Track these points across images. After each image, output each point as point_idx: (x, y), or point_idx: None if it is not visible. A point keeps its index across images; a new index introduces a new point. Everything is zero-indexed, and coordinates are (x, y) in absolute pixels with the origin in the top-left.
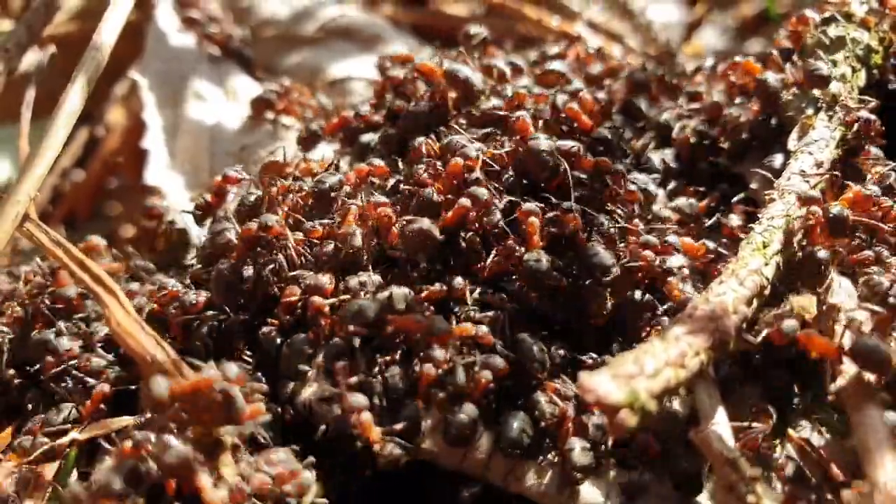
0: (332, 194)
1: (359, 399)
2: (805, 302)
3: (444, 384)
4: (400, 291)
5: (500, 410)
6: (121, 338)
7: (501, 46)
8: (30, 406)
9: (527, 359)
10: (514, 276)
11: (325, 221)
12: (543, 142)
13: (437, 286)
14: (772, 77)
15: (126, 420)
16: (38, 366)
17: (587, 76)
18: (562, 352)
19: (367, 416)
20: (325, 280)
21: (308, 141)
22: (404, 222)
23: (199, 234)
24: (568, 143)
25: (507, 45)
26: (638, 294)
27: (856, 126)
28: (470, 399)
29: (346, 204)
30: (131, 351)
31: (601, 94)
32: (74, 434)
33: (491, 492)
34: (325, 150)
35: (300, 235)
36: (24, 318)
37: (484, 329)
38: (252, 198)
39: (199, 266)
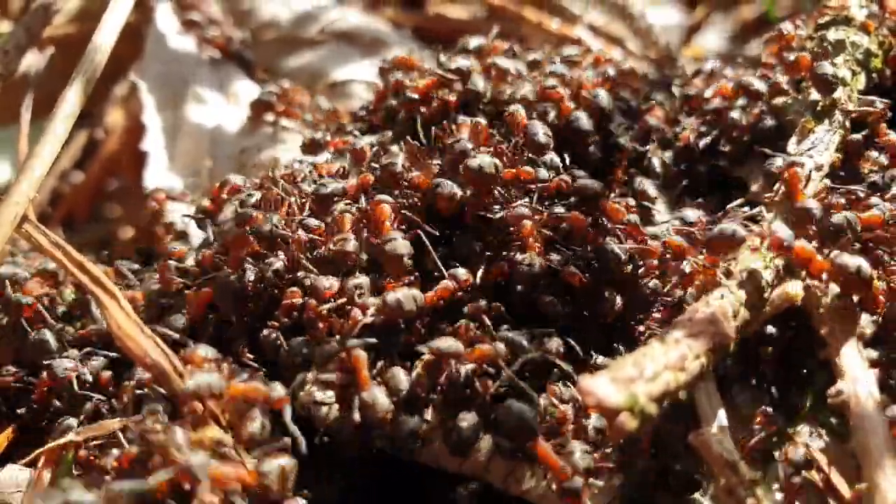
0: (335, 198)
1: (354, 343)
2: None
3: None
4: (409, 293)
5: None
6: (121, 340)
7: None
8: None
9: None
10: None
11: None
12: (539, 126)
13: (445, 283)
14: (757, 83)
15: (123, 422)
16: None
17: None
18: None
19: (362, 354)
20: (326, 284)
21: (311, 148)
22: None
23: (198, 237)
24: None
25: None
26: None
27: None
28: (472, 406)
29: (343, 211)
30: (131, 353)
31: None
32: (72, 436)
33: (491, 491)
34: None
35: (303, 236)
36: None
37: (502, 349)
38: (252, 200)
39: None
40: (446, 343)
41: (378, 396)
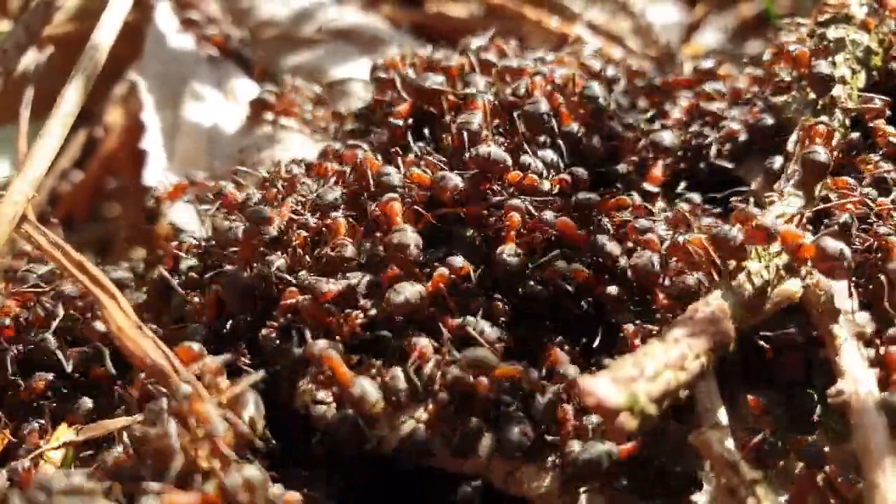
0: (336, 207)
1: (321, 345)
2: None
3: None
4: (414, 290)
5: (500, 412)
6: (120, 341)
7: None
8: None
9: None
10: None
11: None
12: (543, 104)
13: (441, 271)
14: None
15: (122, 421)
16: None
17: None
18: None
19: (333, 354)
20: (325, 287)
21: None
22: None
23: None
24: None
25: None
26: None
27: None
28: (473, 408)
29: (336, 219)
30: (130, 354)
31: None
32: (70, 435)
33: (491, 491)
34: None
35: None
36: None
37: (534, 373)
38: (253, 201)
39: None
40: (480, 353)
41: (366, 387)
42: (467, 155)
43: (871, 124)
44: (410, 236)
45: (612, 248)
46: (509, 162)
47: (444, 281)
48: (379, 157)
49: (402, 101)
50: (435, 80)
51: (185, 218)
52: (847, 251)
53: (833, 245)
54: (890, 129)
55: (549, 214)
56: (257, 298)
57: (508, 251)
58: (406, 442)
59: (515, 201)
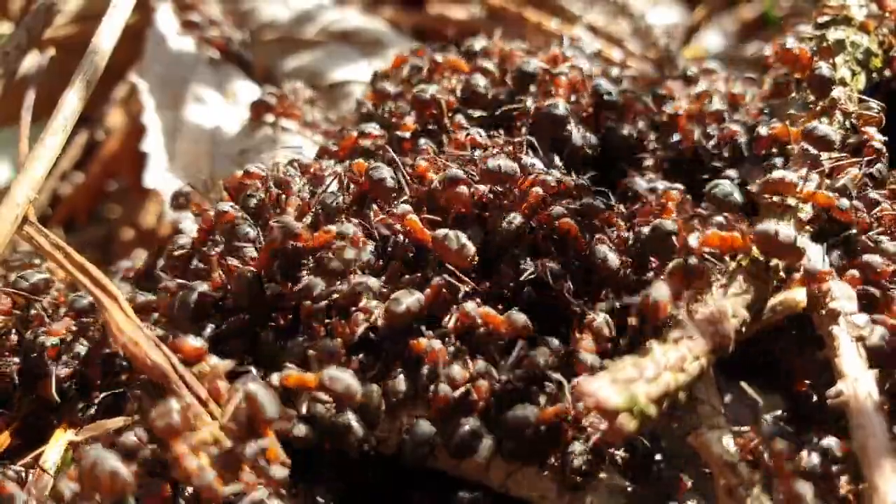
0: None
1: (274, 377)
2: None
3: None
4: (414, 298)
5: (499, 414)
6: (121, 343)
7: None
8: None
9: None
10: None
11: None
12: (561, 105)
13: (436, 280)
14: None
15: (122, 420)
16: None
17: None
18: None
19: (288, 372)
20: (316, 281)
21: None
22: None
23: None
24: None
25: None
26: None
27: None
28: (473, 409)
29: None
30: (132, 356)
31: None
32: (70, 435)
33: (490, 491)
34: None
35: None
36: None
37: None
38: (253, 202)
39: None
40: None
41: (335, 374)
42: (478, 168)
43: (862, 129)
44: (458, 235)
45: (613, 260)
46: (519, 173)
47: (439, 290)
48: (372, 161)
49: (408, 115)
50: (431, 89)
51: (187, 220)
52: (800, 239)
53: (786, 232)
54: (877, 135)
55: (557, 209)
56: (262, 295)
57: (510, 217)
58: (406, 442)
59: (546, 176)
